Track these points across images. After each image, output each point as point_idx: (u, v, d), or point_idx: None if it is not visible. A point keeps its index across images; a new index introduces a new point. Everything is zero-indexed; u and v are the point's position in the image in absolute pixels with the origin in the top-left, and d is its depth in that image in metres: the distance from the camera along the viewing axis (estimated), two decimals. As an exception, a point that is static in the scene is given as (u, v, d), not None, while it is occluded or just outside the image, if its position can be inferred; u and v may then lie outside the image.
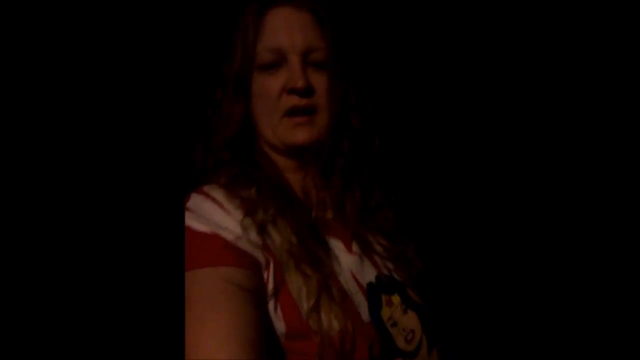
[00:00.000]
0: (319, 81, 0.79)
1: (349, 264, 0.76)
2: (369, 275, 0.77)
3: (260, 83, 0.80)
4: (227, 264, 0.67)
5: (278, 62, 0.79)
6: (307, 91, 0.78)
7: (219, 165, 0.80)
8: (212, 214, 0.72)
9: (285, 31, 0.79)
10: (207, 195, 0.75)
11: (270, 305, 0.69)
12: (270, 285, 0.69)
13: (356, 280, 0.75)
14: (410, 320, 0.75)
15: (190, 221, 0.71)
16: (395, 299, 0.77)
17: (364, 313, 0.72)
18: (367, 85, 0.86)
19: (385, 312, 0.74)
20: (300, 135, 0.79)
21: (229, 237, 0.69)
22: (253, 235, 0.71)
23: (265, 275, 0.70)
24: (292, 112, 0.78)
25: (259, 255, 0.70)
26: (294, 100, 0.78)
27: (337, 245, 0.77)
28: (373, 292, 0.75)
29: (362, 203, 0.84)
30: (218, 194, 0.75)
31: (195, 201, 0.74)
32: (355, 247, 0.79)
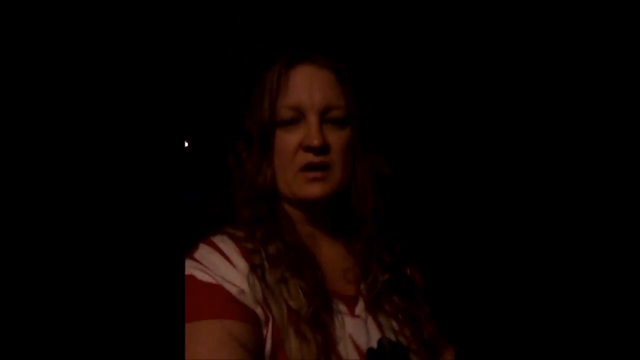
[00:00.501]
0: (336, 138, 0.81)
1: (350, 328, 0.75)
2: (371, 339, 0.76)
3: (279, 138, 0.81)
4: (230, 317, 0.67)
5: (297, 119, 0.81)
6: (323, 149, 0.80)
7: (255, 217, 0.80)
8: (218, 266, 0.72)
9: (305, 89, 0.81)
10: (215, 247, 0.75)
11: None
12: (268, 344, 0.69)
13: (355, 345, 0.74)
14: None
15: (195, 271, 0.71)
16: None
17: None
18: (383, 138, 0.88)
19: None
20: (314, 189, 0.80)
21: (233, 290, 0.70)
22: (257, 291, 0.71)
23: (264, 332, 0.69)
24: (307, 168, 0.80)
25: (260, 312, 0.70)
26: (309, 157, 0.79)
27: (340, 309, 0.77)
28: (373, 358, 0.74)
29: (382, 255, 0.84)
30: (227, 246, 0.76)
31: (202, 252, 0.74)
32: (359, 310, 0.79)
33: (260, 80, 0.84)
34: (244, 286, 0.70)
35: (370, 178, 0.84)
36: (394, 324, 0.80)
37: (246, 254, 0.75)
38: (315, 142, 0.78)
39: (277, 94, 0.81)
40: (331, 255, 0.84)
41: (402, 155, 0.92)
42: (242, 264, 0.73)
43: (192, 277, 0.70)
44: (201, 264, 0.72)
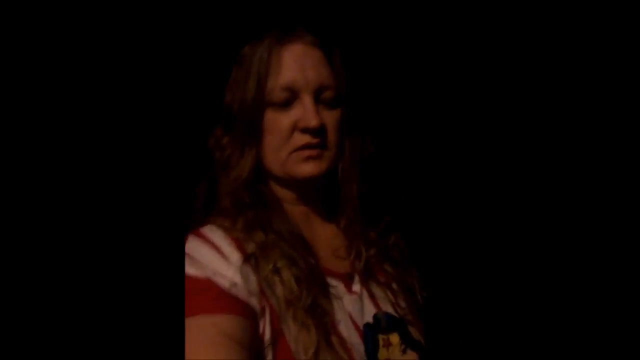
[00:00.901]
0: (329, 118, 0.80)
1: (349, 306, 0.76)
2: (368, 315, 0.77)
3: (270, 119, 0.79)
4: (221, 311, 0.66)
5: (290, 99, 0.78)
6: (320, 130, 0.78)
7: (237, 206, 0.78)
8: (208, 259, 0.71)
9: (298, 68, 0.78)
10: (205, 239, 0.74)
11: (267, 355, 0.68)
12: (267, 335, 0.69)
13: (354, 323, 0.75)
14: None
15: (184, 266, 0.70)
16: (394, 338, 0.77)
17: (362, 358, 0.71)
18: (374, 118, 0.88)
19: (382, 354, 0.74)
20: (310, 167, 0.79)
21: (224, 283, 0.69)
22: (251, 282, 0.71)
23: (261, 324, 0.69)
24: (304, 147, 0.78)
25: (255, 304, 0.69)
26: (307, 139, 0.78)
27: (337, 287, 0.77)
28: (370, 334, 0.75)
29: (368, 231, 0.84)
30: (218, 236, 0.74)
31: (191, 245, 0.73)
32: (355, 286, 0.79)
33: (240, 57, 0.81)
34: (237, 278, 0.69)
35: (357, 157, 0.83)
36: (390, 295, 0.81)
37: (238, 244, 0.74)
38: (314, 122, 0.77)
39: (267, 74, 0.78)
40: (325, 233, 0.84)
41: (390, 136, 0.91)
42: (235, 255, 0.72)
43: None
44: (190, 257, 0.71)
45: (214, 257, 0.71)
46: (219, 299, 0.67)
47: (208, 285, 0.68)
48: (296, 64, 0.78)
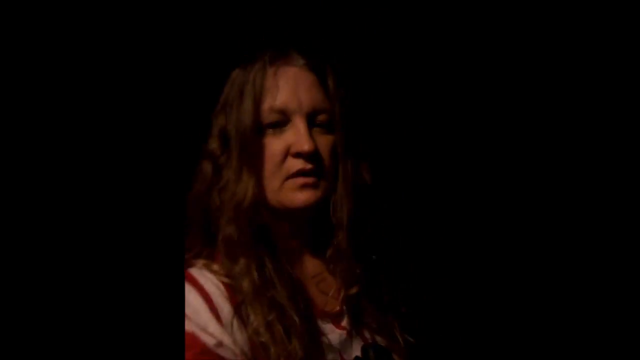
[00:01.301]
0: (324, 143, 0.77)
1: (338, 344, 0.76)
2: (356, 349, 0.77)
3: (263, 144, 0.76)
4: None
5: (282, 122, 0.76)
6: (314, 155, 0.76)
7: (238, 240, 0.75)
8: (196, 311, 0.69)
9: (291, 91, 0.76)
10: (196, 285, 0.71)
11: None
12: None
13: (343, 358, 0.76)
14: None
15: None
16: None
17: None
18: (370, 144, 0.86)
19: None
20: (305, 196, 0.76)
21: (210, 341, 0.67)
22: (239, 341, 0.69)
23: None
24: (297, 174, 0.76)
25: None
26: (300, 164, 0.75)
27: (327, 327, 0.77)
28: None
29: (354, 264, 0.81)
30: (209, 284, 0.72)
31: (197, 274, 0.72)
32: (344, 322, 0.79)
33: (232, 79, 0.79)
34: (224, 338, 0.68)
35: (350, 185, 0.80)
36: (376, 325, 0.80)
37: (230, 293, 0.71)
38: (307, 147, 0.74)
39: (261, 96, 0.76)
40: (315, 270, 0.82)
41: (385, 163, 0.89)
42: (226, 307, 0.70)
43: (191, 337, 0.67)
44: (203, 290, 0.70)
45: (202, 310, 0.69)
46: (202, 357, 0.66)
47: (192, 342, 0.66)
48: (289, 87, 0.76)
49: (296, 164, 0.75)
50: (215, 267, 0.74)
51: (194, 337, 0.67)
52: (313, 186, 0.76)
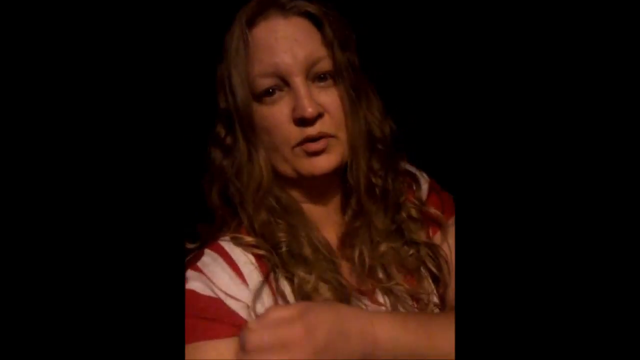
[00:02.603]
0: (328, 98, 0.69)
1: None
2: None
3: (261, 115, 0.69)
4: (228, 335, 0.63)
5: (278, 86, 0.68)
6: (319, 117, 0.68)
7: (261, 214, 0.70)
8: (222, 277, 0.66)
9: (280, 48, 0.67)
10: (222, 253, 0.68)
11: None
12: None
13: None
14: None
15: (196, 283, 0.66)
16: None
17: None
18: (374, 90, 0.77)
19: None
20: (318, 163, 0.69)
21: (236, 306, 0.65)
22: (266, 302, 0.66)
23: None
24: (305, 142, 0.69)
25: None
26: (306, 132, 0.68)
27: (365, 302, 0.71)
28: None
29: (366, 231, 0.75)
30: (236, 252, 0.69)
31: (206, 260, 0.68)
32: (379, 297, 0.73)
33: (221, 51, 0.71)
34: (251, 302, 0.65)
35: (364, 140, 0.72)
36: (409, 302, 0.74)
37: (259, 262, 0.68)
38: (308, 112, 0.66)
39: (246, 61, 0.68)
40: (343, 239, 0.75)
41: (399, 111, 0.79)
42: (255, 275, 0.67)
43: (192, 292, 0.65)
44: (204, 274, 0.66)
45: (227, 276, 0.66)
46: (229, 321, 0.63)
47: (220, 307, 0.64)
48: (277, 43, 0.67)
49: (302, 132, 0.68)
50: (244, 239, 0.69)
51: (219, 302, 0.64)
52: (326, 151, 0.69)
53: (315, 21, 0.70)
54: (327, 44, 0.69)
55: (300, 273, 0.67)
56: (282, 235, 0.69)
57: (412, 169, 0.82)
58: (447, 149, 0.85)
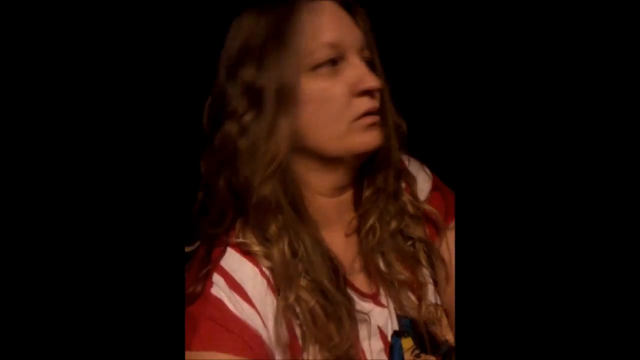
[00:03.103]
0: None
1: (379, 320, 0.72)
2: (395, 323, 0.73)
3: (317, 87, 0.67)
4: (243, 355, 0.62)
5: (336, 60, 0.67)
6: (379, 91, 0.69)
7: (272, 201, 0.67)
8: (246, 285, 0.66)
9: (339, 25, 0.68)
10: (245, 254, 0.68)
11: None
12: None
13: (383, 336, 0.72)
14: None
15: (219, 291, 0.65)
16: (407, 343, 0.73)
17: None
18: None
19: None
20: (373, 136, 0.69)
21: (256, 326, 0.65)
22: (270, 312, 0.66)
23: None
24: (365, 115, 0.68)
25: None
26: (368, 104, 0.68)
27: (365, 306, 0.71)
28: (397, 343, 0.72)
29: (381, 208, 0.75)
30: (241, 268, 0.68)
31: (230, 261, 0.67)
32: (383, 298, 0.74)
33: (249, 26, 0.68)
34: (270, 325, 0.65)
35: (395, 127, 0.73)
36: (412, 298, 0.75)
37: (265, 276, 0.67)
38: (375, 82, 0.67)
39: (305, 33, 0.66)
40: (353, 235, 0.75)
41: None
42: (269, 297, 0.66)
43: (218, 301, 0.64)
44: (230, 277, 0.66)
45: (256, 289, 0.66)
46: (250, 340, 0.63)
47: (241, 322, 0.64)
48: (335, 21, 0.68)
49: (363, 104, 0.68)
50: (252, 247, 0.68)
51: (243, 324, 0.64)
52: (379, 126, 0.69)
53: (353, 13, 0.71)
54: (366, 35, 0.71)
55: (302, 294, 0.66)
56: (282, 232, 0.67)
57: (416, 164, 0.81)
58: (446, 148, 0.85)
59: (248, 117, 0.67)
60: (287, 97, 0.66)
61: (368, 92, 0.68)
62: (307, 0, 0.68)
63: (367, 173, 0.74)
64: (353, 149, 0.69)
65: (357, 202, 0.75)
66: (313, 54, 0.66)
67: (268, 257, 0.67)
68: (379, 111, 0.69)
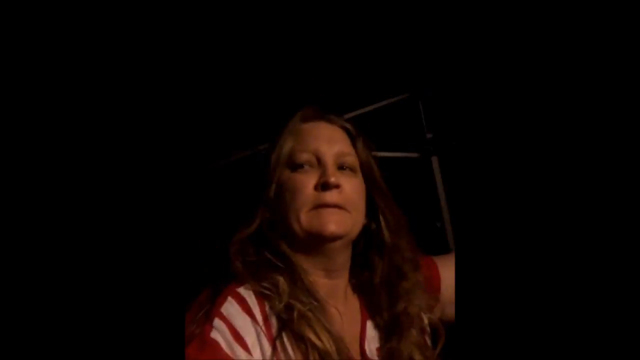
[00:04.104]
0: (349, 182, 0.85)
1: None
2: None
3: (293, 179, 0.84)
4: None
5: (312, 162, 0.85)
6: (340, 189, 0.83)
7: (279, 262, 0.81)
8: (244, 332, 0.73)
9: (322, 138, 0.87)
10: (243, 303, 0.76)
11: None
12: None
13: None
14: None
15: (219, 336, 0.72)
16: None
17: None
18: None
19: None
20: (330, 225, 0.81)
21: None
22: None
23: None
24: (322, 205, 0.82)
25: None
26: (327, 197, 0.82)
27: None
28: None
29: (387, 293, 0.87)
30: (253, 302, 0.77)
31: (230, 311, 0.75)
32: None
33: (278, 135, 0.89)
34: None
35: (387, 217, 0.89)
36: None
37: (266, 319, 0.76)
38: (333, 179, 0.82)
39: (292, 141, 0.87)
40: (344, 314, 0.84)
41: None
42: (265, 345, 0.74)
43: (216, 344, 0.71)
44: (226, 326, 0.73)
45: (249, 333, 0.73)
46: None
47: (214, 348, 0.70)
48: (322, 136, 0.87)
49: (323, 197, 0.82)
50: (263, 288, 0.78)
51: (222, 350, 0.71)
52: (336, 220, 0.82)
53: (348, 133, 0.91)
54: (354, 148, 0.90)
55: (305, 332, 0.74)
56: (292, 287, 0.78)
57: None
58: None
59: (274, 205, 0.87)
60: (281, 187, 0.86)
61: (329, 185, 0.82)
62: (311, 120, 0.90)
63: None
64: (311, 231, 0.81)
65: (346, 287, 0.88)
66: (295, 156, 0.86)
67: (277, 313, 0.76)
68: (340, 205, 0.82)
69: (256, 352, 0.73)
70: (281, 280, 0.78)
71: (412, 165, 1.57)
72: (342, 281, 0.87)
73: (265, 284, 0.78)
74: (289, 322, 0.75)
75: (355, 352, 0.83)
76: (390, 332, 0.84)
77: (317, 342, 0.73)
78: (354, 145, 0.90)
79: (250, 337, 0.74)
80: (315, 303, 0.78)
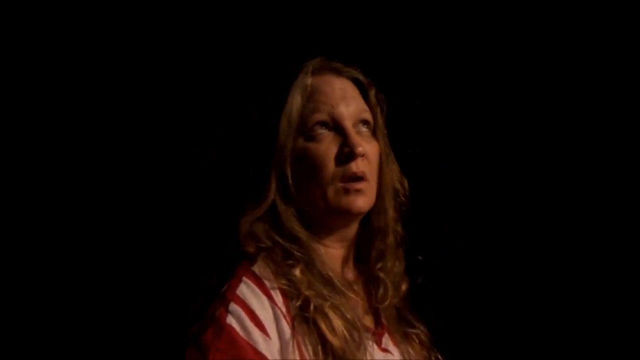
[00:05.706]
0: (369, 145, 0.79)
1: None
2: None
3: (309, 150, 0.77)
4: None
5: (328, 125, 0.77)
6: (364, 159, 0.77)
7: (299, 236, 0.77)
8: (261, 313, 0.70)
9: (339, 98, 0.78)
10: (259, 283, 0.73)
11: None
12: None
13: None
14: None
15: (234, 320, 0.69)
16: None
17: None
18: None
19: None
20: (358, 201, 0.76)
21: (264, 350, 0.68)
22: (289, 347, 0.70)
23: None
24: (349, 179, 0.76)
25: None
26: (352, 168, 0.75)
27: (371, 344, 0.77)
28: None
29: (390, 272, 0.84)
30: (270, 279, 0.73)
31: (245, 292, 0.72)
32: (385, 342, 0.81)
33: (286, 93, 0.79)
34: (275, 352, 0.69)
35: (391, 190, 0.83)
36: (412, 348, 0.83)
37: (285, 299, 0.72)
38: (359, 149, 0.75)
39: (306, 99, 0.78)
40: (354, 283, 0.82)
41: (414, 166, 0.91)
42: (277, 327, 0.71)
43: (232, 329, 0.68)
44: (242, 306, 0.70)
45: (264, 314, 0.70)
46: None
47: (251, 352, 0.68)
48: (336, 94, 0.78)
49: (348, 168, 0.76)
50: (275, 266, 0.75)
51: (252, 349, 0.68)
52: (363, 192, 0.77)
53: (360, 87, 0.83)
54: (370, 105, 0.82)
55: (320, 302, 0.71)
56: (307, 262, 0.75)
57: None
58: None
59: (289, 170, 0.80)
60: (281, 157, 0.78)
61: (354, 155, 0.75)
62: (322, 73, 0.81)
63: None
64: (339, 207, 0.76)
65: (355, 257, 0.85)
66: (308, 118, 0.78)
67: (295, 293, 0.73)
68: (365, 177, 0.76)
69: (273, 333, 0.70)
70: (297, 272, 0.73)
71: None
72: (353, 249, 0.84)
73: (283, 281, 0.73)
74: (306, 313, 0.71)
75: (369, 322, 0.81)
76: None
77: (332, 338, 0.70)
78: (365, 97, 0.83)
79: (267, 318, 0.71)
80: (331, 295, 0.73)
